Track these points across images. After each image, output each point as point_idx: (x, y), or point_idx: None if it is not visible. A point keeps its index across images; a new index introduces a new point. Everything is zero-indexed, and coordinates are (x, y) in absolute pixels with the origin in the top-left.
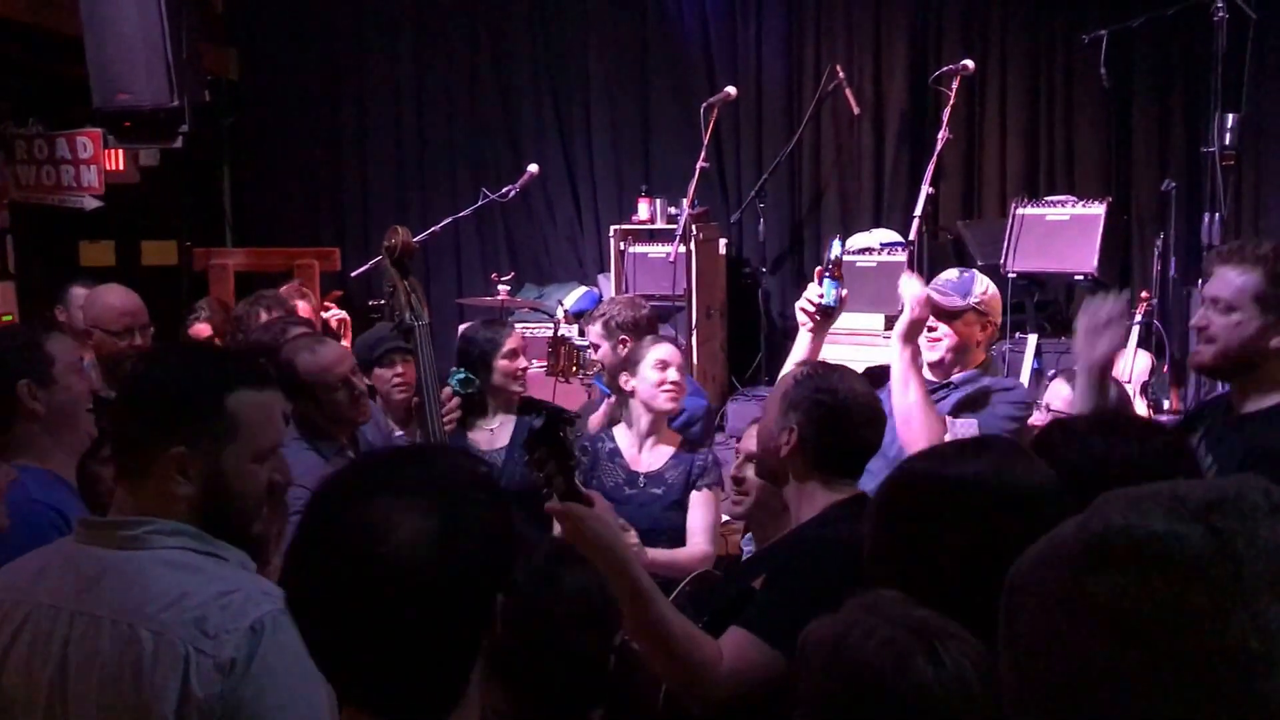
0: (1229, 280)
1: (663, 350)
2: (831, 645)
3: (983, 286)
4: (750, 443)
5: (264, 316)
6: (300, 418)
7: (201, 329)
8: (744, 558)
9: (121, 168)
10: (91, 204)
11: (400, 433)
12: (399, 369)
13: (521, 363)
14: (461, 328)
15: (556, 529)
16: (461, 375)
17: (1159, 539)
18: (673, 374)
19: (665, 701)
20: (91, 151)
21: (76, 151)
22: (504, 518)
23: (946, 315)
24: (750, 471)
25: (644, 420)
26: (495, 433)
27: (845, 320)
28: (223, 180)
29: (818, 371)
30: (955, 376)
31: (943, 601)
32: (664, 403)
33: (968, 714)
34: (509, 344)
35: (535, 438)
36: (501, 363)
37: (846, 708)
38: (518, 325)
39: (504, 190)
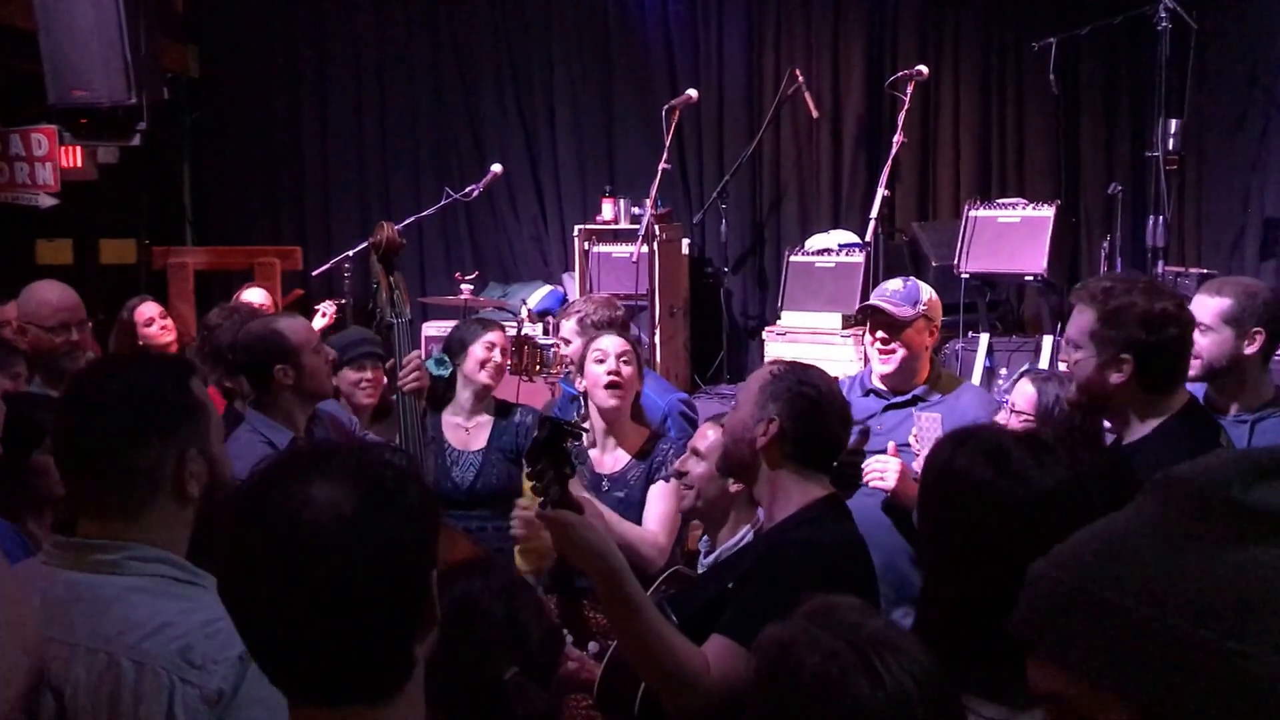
0: (1074, 319)
1: (607, 342)
2: (778, 653)
3: (927, 293)
4: (701, 441)
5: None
6: (269, 397)
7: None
8: (701, 557)
9: (79, 165)
10: (47, 202)
11: (369, 433)
12: (368, 373)
13: (496, 356)
14: (425, 326)
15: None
16: (438, 356)
17: None
18: (611, 363)
19: (642, 703)
20: (47, 148)
21: (31, 148)
22: (425, 498)
23: (899, 326)
24: (693, 466)
25: (598, 420)
26: (471, 434)
27: (804, 319)
28: (183, 178)
29: (796, 367)
30: (918, 390)
31: None
32: (608, 398)
33: None
34: (490, 335)
35: (539, 448)
36: (477, 349)
37: (785, 717)
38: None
39: (468, 190)
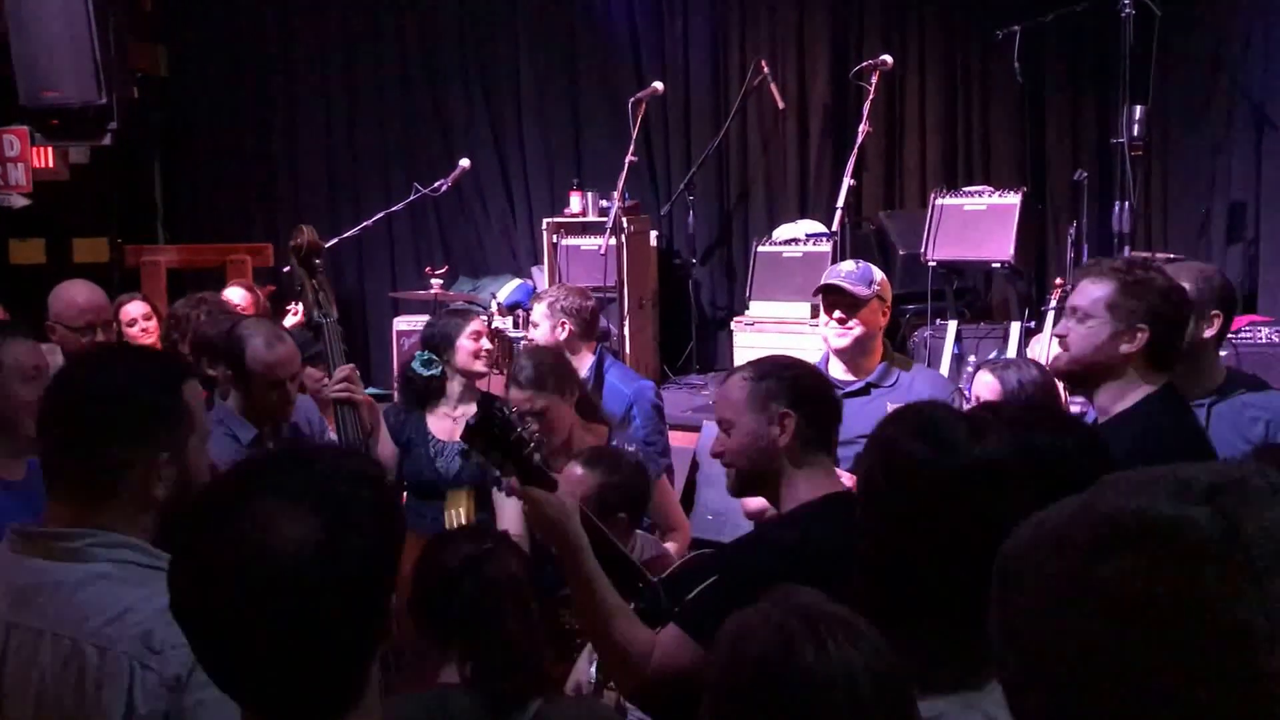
0: (1086, 291)
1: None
2: (735, 631)
3: (879, 275)
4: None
5: (203, 319)
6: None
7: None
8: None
9: (51, 165)
10: (19, 202)
11: (333, 432)
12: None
13: (485, 344)
14: (397, 321)
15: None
16: (424, 356)
17: (1169, 522)
18: (484, 342)
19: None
20: (18, 149)
21: (3, 149)
22: (389, 517)
23: (857, 305)
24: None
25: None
26: (458, 423)
27: (772, 309)
28: (154, 177)
29: (777, 360)
30: (872, 375)
31: None
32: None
33: (849, 707)
34: (474, 325)
35: (471, 433)
36: (465, 342)
37: (734, 688)
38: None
39: (436, 184)
